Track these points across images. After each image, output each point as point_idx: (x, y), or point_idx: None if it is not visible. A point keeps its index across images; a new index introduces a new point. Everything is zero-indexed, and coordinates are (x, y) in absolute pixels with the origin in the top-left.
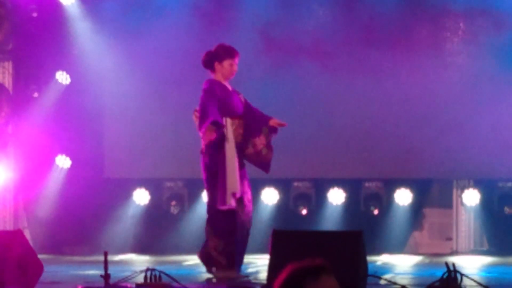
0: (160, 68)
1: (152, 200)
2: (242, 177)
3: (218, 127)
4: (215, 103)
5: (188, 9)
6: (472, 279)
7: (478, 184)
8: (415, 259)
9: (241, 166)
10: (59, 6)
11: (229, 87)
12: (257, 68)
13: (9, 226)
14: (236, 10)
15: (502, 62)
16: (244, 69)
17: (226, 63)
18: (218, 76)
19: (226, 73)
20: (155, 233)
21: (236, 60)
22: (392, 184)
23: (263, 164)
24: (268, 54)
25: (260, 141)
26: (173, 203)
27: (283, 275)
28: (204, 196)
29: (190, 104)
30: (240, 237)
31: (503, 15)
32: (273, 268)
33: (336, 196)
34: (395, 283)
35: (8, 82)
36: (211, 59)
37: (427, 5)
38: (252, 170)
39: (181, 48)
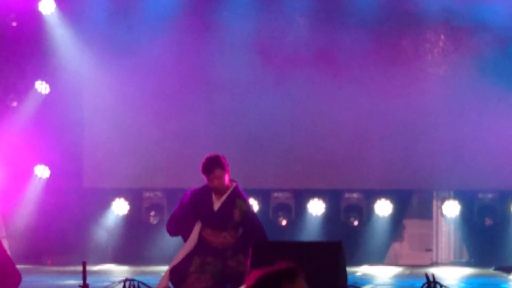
0: (140, 79)
1: (131, 210)
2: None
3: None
4: (181, 210)
5: (168, 16)
6: None
7: (458, 195)
8: (395, 270)
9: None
10: (38, 16)
11: (217, 197)
12: (241, 80)
13: None
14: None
15: (482, 73)
16: (231, 80)
17: (205, 178)
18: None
19: (210, 186)
20: (134, 243)
21: (212, 176)
22: (372, 195)
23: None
24: (253, 67)
25: (245, 261)
26: (152, 213)
27: (254, 278)
28: None
29: (170, 115)
30: None
31: (483, 27)
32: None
33: (316, 207)
34: None
35: None
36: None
37: (408, 17)
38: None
39: (162, 60)
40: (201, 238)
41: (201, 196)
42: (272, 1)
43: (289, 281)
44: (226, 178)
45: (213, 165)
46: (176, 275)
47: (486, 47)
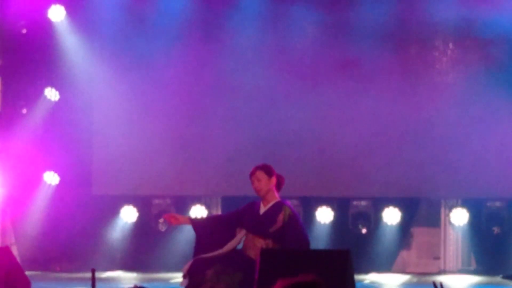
0: (151, 87)
1: (140, 217)
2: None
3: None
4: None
5: (178, 23)
6: None
7: (466, 203)
8: (402, 278)
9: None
10: (48, 23)
11: (264, 204)
12: (251, 89)
13: None
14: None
15: (491, 82)
16: (241, 89)
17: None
18: None
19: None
20: (142, 250)
21: (253, 178)
22: (380, 203)
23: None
24: (259, 75)
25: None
26: (161, 220)
27: None
28: (192, 212)
29: (180, 122)
30: None
31: (491, 37)
32: (260, 285)
33: (324, 215)
34: None
35: None
36: None
37: (416, 25)
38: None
39: (174, 68)
40: (237, 249)
41: (251, 204)
42: (283, 13)
43: None
44: (268, 183)
45: (257, 167)
46: (193, 278)
47: (495, 56)
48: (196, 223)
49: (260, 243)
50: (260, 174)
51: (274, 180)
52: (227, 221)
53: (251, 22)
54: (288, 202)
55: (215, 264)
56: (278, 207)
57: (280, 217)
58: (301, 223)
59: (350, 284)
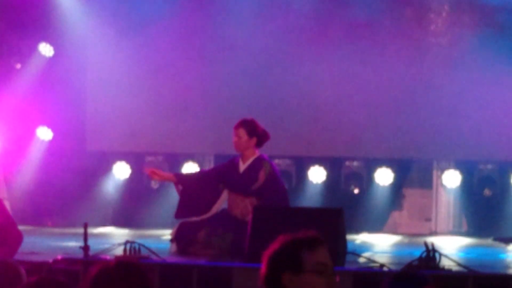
0: (145, 44)
1: (133, 174)
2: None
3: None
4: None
5: None
6: (451, 259)
7: (458, 165)
8: (394, 238)
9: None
10: None
11: (243, 161)
12: (243, 45)
13: None
14: None
15: (486, 44)
16: (238, 55)
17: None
18: None
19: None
20: (135, 207)
21: (235, 132)
22: (373, 164)
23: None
24: (256, 39)
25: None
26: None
27: (276, 246)
28: (185, 169)
29: (175, 80)
30: None
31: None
32: (253, 242)
33: (317, 174)
34: (374, 261)
35: None
36: None
37: None
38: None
39: (168, 25)
40: (223, 209)
41: (230, 161)
42: None
43: (309, 250)
44: (248, 142)
45: (241, 123)
46: (182, 241)
47: (489, 20)
48: (181, 182)
49: (244, 201)
50: (242, 132)
51: (254, 140)
52: (210, 180)
53: None
54: (267, 156)
55: (205, 226)
56: (258, 163)
57: (262, 174)
58: (280, 178)
59: (342, 242)
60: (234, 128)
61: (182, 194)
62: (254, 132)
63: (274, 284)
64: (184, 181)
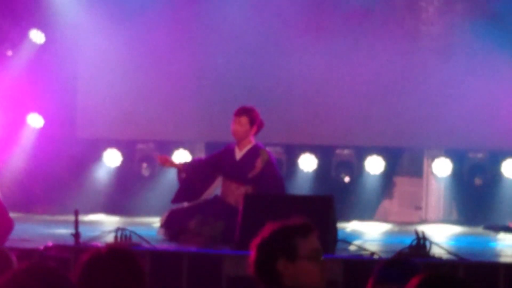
0: (136, 31)
1: (124, 161)
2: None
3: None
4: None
5: None
6: (441, 247)
7: (448, 154)
8: (384, 226)
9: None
10: None
11: (239, 148)
12: (234, 30)
13: None
14: None
15: (477, 33)
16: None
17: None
18: None
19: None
20: (126, 194)
21: (236, 119)
22: (363, 152)
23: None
24: (248, 26)
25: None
26: (144, 165)
27: (266, 233)
28: (175, 157)
29: (166, 68)
30: None
31: None
32: (244, 230)
33: (308, 162)
34: (364, 249)
35: None
36: None
37: None
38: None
39: (161, 10)
40: (216, 196)
41: (226, 148)
42: None
43: (302, 237)
44: (249, 131)
45: (244, 110)
46: (172, 229)
47: (481, 8)
48: (185, 170)
49: (239, 189)
50: (244, 120)
51: (254, 129)
52: (208, 167)
53: None
54: (262, 145)
55: (197, 214)
56: (254, 151)
57: (259, 162)
58: (277, 167)
59: (332, 230)
60: (235, 115)
61: (183, 181)
62: (255, 121)
63: (267, 271)
64: (188, 170)
